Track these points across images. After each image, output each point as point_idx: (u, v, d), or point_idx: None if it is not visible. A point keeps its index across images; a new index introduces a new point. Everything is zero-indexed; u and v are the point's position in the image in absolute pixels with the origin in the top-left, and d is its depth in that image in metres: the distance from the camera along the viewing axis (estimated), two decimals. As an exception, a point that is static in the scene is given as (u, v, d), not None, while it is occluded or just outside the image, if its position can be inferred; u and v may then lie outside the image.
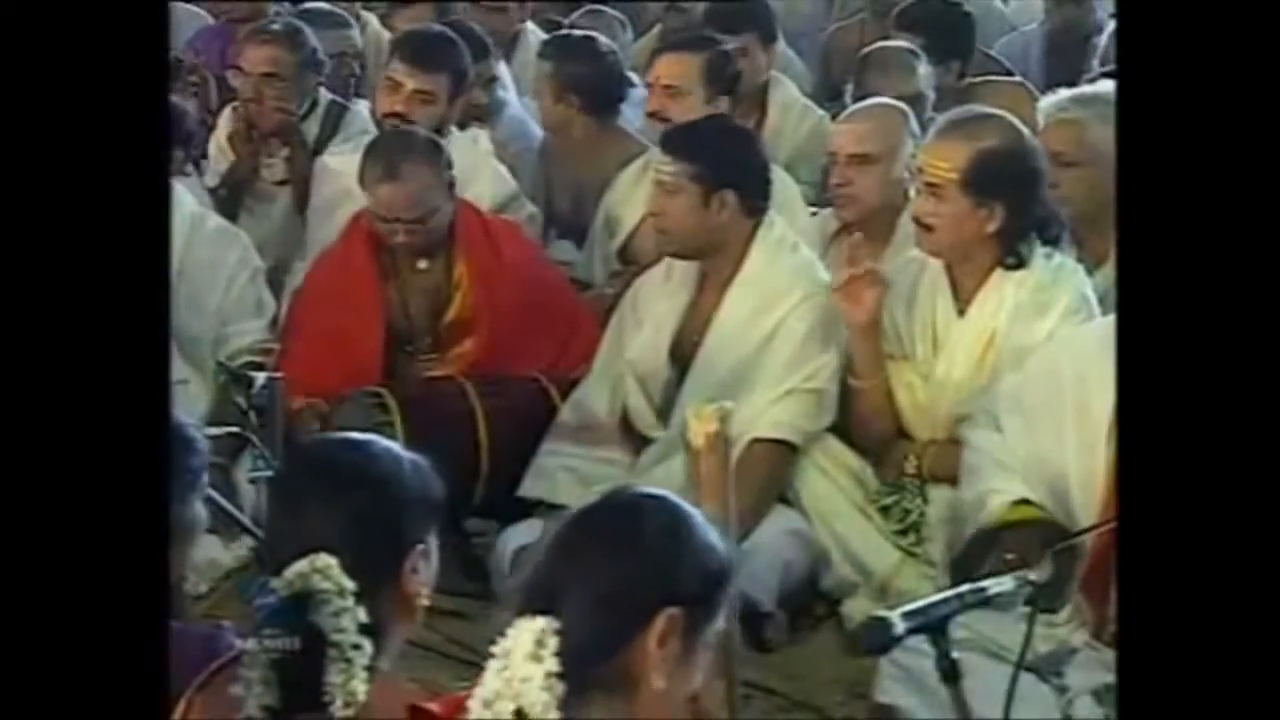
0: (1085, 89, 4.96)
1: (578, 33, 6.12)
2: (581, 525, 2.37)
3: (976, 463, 4.12)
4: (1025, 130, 4.47)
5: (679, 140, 4.70)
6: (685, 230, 4.61)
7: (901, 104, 5.04)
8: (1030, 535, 3.87)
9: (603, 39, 5.97)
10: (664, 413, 4.65)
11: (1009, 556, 3.83)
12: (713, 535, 2.39)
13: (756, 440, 4.50)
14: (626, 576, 2.31)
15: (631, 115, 6.38)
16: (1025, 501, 3.97)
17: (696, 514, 2.39)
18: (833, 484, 4.53)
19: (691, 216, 4.59)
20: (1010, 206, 4.33)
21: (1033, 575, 3.15)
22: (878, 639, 2.99)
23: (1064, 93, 4.86)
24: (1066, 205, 4.67)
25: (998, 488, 4.03)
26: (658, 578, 2.32)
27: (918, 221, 4.41)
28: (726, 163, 4.61)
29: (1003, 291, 4.41)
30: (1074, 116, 4.73)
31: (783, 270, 4.63)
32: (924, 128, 4.92)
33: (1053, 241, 4.44)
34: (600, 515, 2.38)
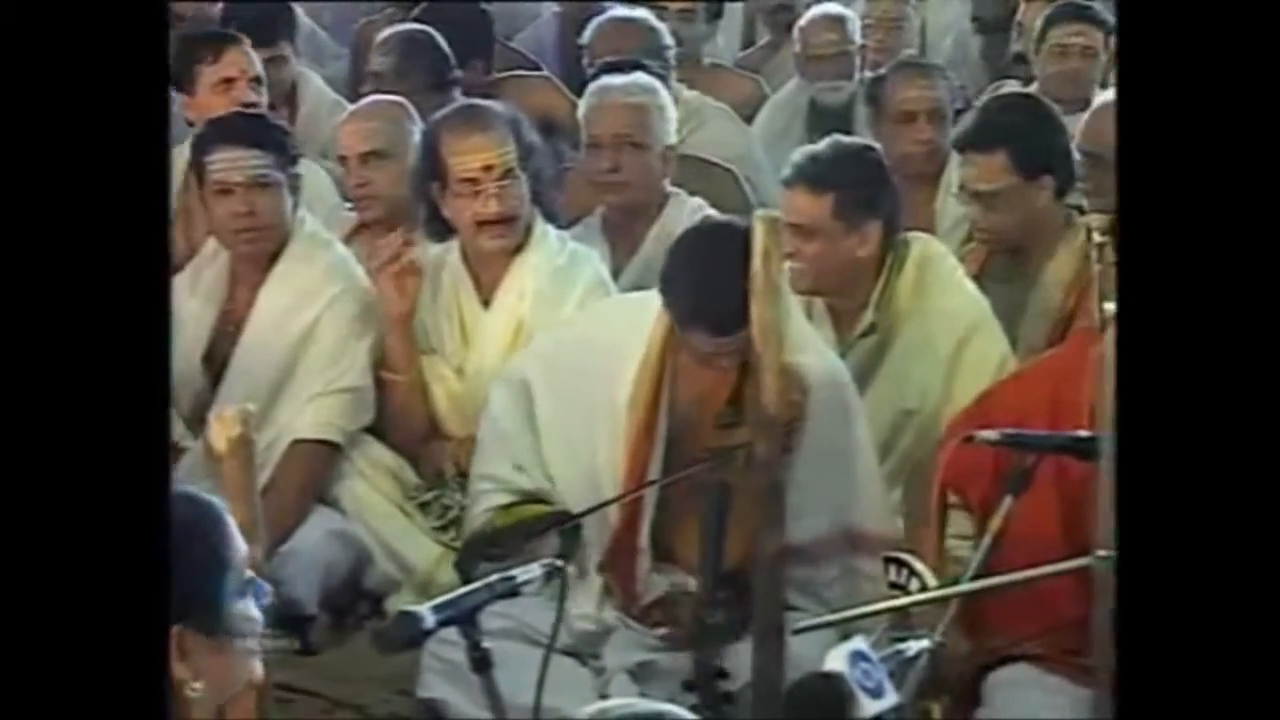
0: (643, 78, 5.07)
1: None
2: None
3: (486, 436, 4.16)
4: (526, 121, 4.58)
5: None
6: (278, 228, 4.55)
7: (400, 99, 5.05)
8: (518, 534, 3.93)
9: None
10: (197, 422, 4.55)
11: (495, 550, 3.90)
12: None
13: (298, 441, 4.47)
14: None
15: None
16: (515, 503, 4.03)
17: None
18: (370, 484, 4.52)
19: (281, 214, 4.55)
20: None
21: (559, 562, 3.21)
22: (406, 633, 3.00)
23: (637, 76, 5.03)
24: (627, 190, 4.82)
25: (492, 475, 4.08)
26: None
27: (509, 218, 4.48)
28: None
29: (522, 280, 4.48)
30: (640, 102, 4.88)
31: (317, 267, 4.60)
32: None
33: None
34: None
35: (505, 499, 4.04)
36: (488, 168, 4.44)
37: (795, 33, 6.41)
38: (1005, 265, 4.78)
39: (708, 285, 3.76)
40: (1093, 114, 4.91)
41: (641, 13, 6.04)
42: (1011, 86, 6.07)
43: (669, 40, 5.93)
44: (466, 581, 3.77)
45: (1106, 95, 5.04)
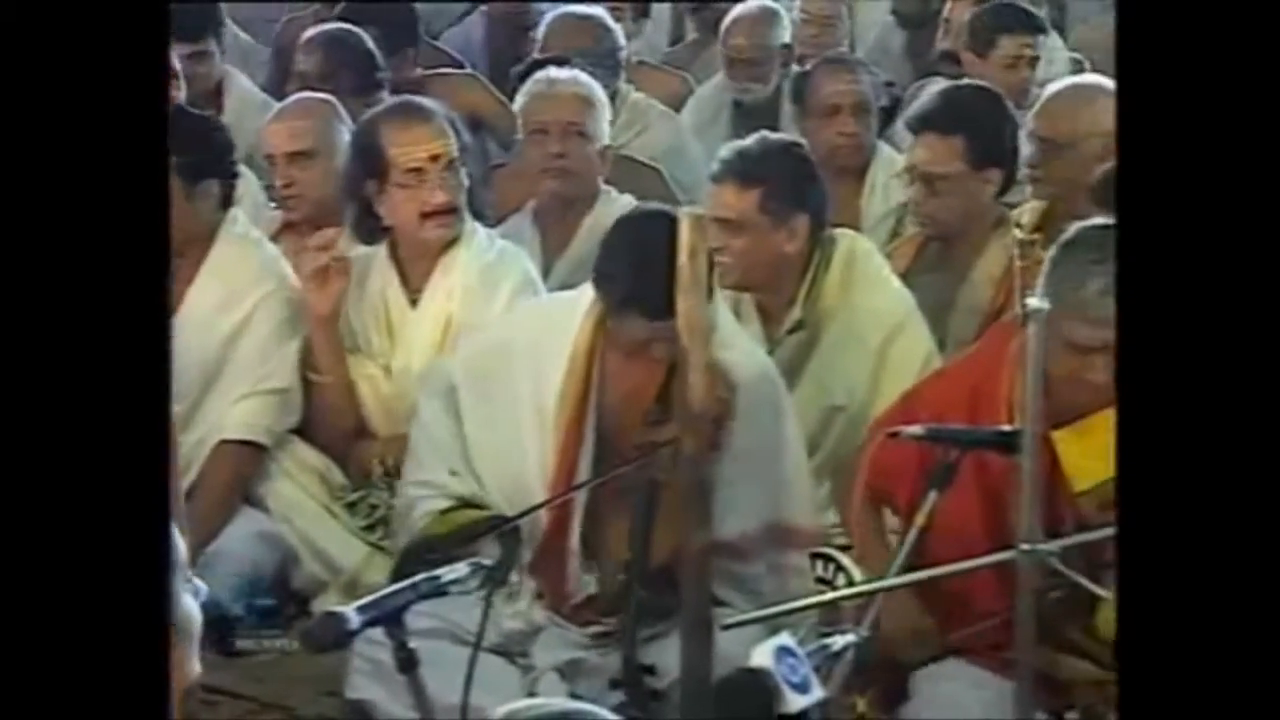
0: (583, 74, 5.09)
1: None
2: None
3: (418, 442, 4.14)
4: (457, 120, 4.56)
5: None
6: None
7: (328, 97, 5.03)
8: (457, 540, 3.92)
9: None
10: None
11: (434, 556, 3.88)
12: None
13: (225, 442, 4.45)
14: None
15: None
16: (452, 508, 4.01)
17: None
18: (296, 484, 4.50)
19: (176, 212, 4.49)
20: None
21: (485, 560, 3.21)
22: (332, 633, 3.00)
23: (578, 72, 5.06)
24: (570, 178, 4.86)
25: (429, 481, 4.05)
26: None
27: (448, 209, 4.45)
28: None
29: (451, 278, 4.47)
30: (586, 95, 4.92)
31: (248, 266, 4.58)
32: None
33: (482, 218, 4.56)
34: None
35: (442, 504, 4.02)
36: (434, 157, 4.44)
37: (720, 31, 6.42)
38: (935, 261, 4.81)
39: (642, 270, 3.75)
40: (1048, 101, 4.93)
41: (597, 11, 6.04)
42: (939, 80, 6.10)
43: (622, 41, 5.96)
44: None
45: (1059, 84, 5.08)
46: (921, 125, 4.73)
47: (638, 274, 3.77)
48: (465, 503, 4.03)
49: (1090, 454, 3.48)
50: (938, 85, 5.38)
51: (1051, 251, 3.59)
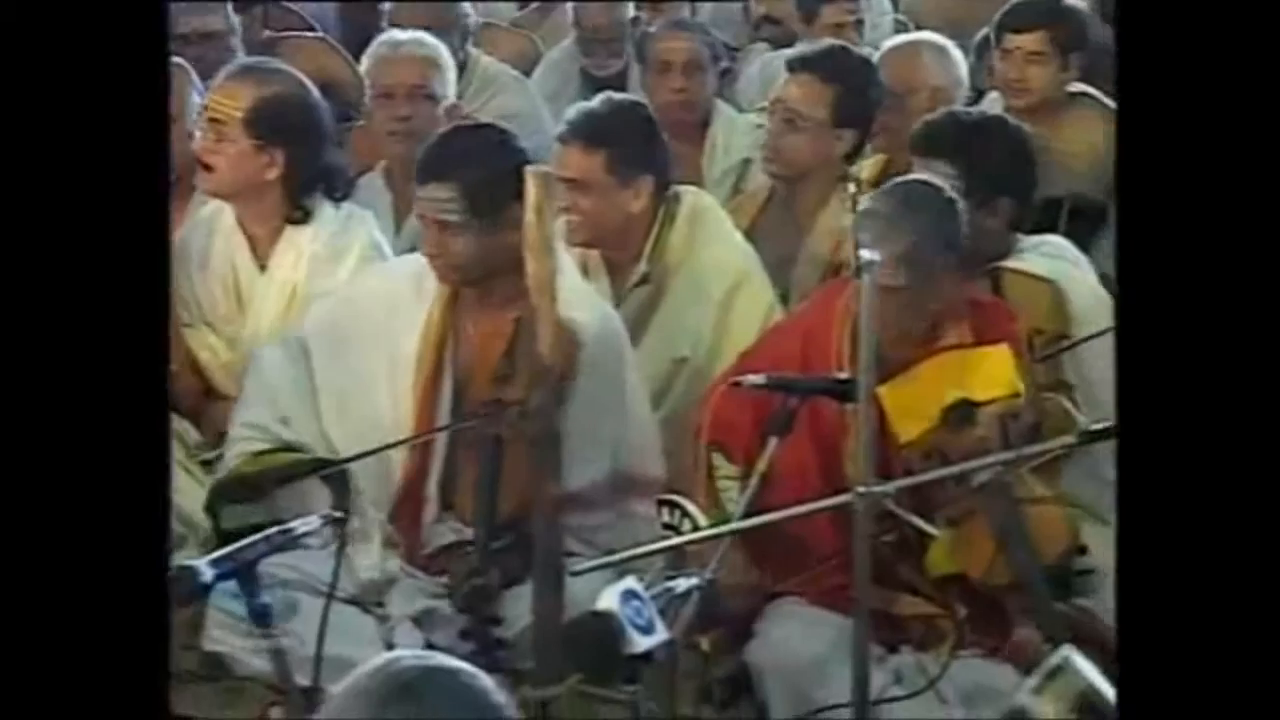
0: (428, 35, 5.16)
1: None
2: None
3: (249, 389, 4.19)
4: (310, 85, 4.55)
5: None
6: None
7: (181, 60, 5.04)
8: (267, 480, 3.99)
9: None
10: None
11: (245, 494, 3.96)
12: None
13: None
14: None
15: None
16: (269, 450, 4.07)
17: None
18: (155, 442, 4.52)
19: None
20: (292, 155, 4.40)
21: (338, 513, 3.28)
22: (186, 587, 3.04)
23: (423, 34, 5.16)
24: (416, 140, 4.79)
25: (252, 423, 4.11)
26: None
27: (199, 161, 4.44)
28: None
29: (298, 244, 4.47)
30: (430, 56, 5.05)
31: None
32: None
33: (339, 195, 4.54)
34: None
35: (259, 446, 4.08)
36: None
37: (570, 11, 6.48)
38: (778, 215, 4.92)
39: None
40: (885, 53, 5.16)
41: None
42: (763, 46, 6.23)
43: (468, 9, 6.00)
44: (217, 524, 3.88)
45: (897, 39, 5.25)
46: (801, 66, 4.87)
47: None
48: (285, 448, 4.09)
49: (911, 407, 3.61)
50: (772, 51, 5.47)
51: (864, 204, 3.72)
